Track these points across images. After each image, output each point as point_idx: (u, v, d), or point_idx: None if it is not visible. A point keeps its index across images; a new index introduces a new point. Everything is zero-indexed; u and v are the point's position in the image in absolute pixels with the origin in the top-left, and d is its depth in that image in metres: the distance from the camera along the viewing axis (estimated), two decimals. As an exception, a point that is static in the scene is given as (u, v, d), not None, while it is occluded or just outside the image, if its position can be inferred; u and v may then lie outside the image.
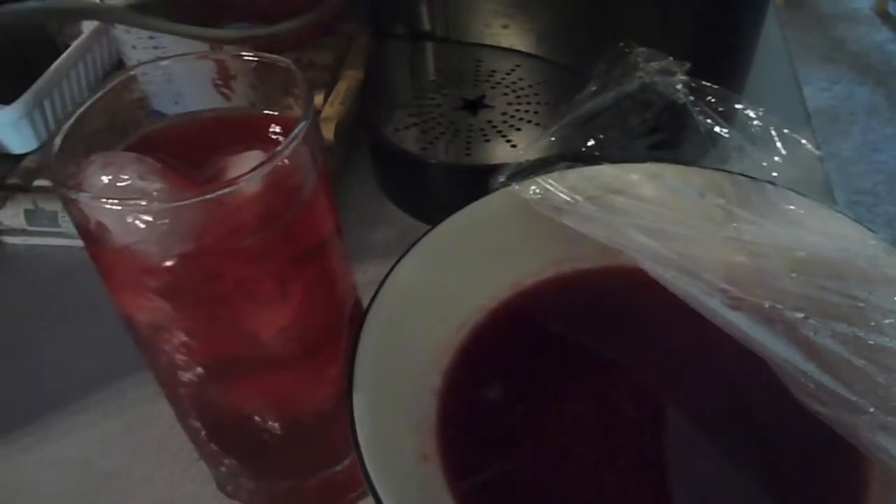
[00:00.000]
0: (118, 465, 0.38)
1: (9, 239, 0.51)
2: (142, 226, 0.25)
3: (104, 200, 0.24)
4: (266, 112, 0.30)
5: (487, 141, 0.46)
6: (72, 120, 0.27)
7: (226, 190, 0.24)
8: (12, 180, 0.52)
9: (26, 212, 0.50)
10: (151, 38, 0.47)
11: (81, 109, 0.28)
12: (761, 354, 0.31)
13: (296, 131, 0.25)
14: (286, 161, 0.25)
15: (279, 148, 0.25)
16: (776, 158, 0.38)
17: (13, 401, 0.42)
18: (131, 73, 0.30)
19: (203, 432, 0.33)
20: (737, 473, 0.32)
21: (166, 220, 0.24)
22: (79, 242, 0.50)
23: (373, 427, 0.29)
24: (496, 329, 0.37)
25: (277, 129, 0.29)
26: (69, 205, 0.26)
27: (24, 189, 0.51)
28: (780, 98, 0.59)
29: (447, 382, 0.35)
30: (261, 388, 0.31)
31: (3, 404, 0.42)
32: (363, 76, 0.54)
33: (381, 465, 0.28)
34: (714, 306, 0.33)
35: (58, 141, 0.27)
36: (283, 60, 0.29)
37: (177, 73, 0.31)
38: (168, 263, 0.25)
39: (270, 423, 0.32)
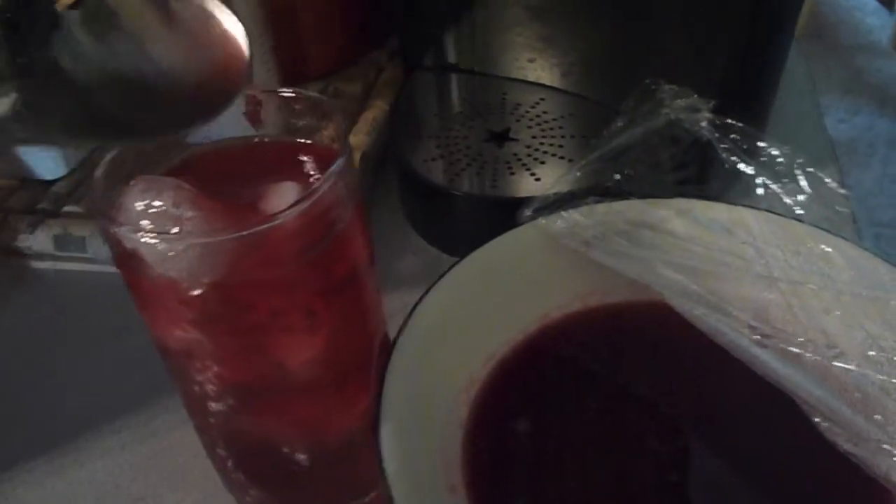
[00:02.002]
0: (147, 490, 0.39)
1: (38, 263, 0.52)
2: (175, 255, 0.25)
3: (143, 234, 0.24)
4: (301, 140, 0.31)
5: (513, 174, 0.46)
6: (111, 155, 0.28)
7: (263, 226, 0.24)
8: (42, 205, 0.53)
9: (55, 237, 0.50)
10: (184, 68, 0.47)
11: (120, 143, 0.28)
12: (791, 393, 0.31)
13: (334, 167, 0.25)
14: (324, 196, 0.25)
15: (317, 184, 0.25)
16: (801, 196, 0.38)
17: (46, 423, 0.42)
18: (170, 106, 0.30)
19: (230, 461, 0.33)
20: (766, 513, 0.32)
21: (201, 251, 0.25)
22: (107, 268, 0.51)
23: (400, 459, 0.29)
24: (523, 362, 0.37)
25: (312, 157, 0.30)
26: (107, 234, 0.26)
27: (54, 214, 0.52)
28: (804, 131, 0.60)
29: (474, 415, 0.35)
30: (290, 419, 0.31)
31: (36, 426, 0.42)
32: (390, 107, 0.55)
33: (408, 497, 0.28)
34: (743, 343, 0.33)
35: (99, 173, 0.27)
36: (317, 97, 0.29)
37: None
38: (201, 292, 0.26)
39: (298, 454, 0.32)
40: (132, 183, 0.26)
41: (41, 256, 0.51)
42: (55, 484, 0.39)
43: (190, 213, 0.26)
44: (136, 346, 0.45)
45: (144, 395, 0.43)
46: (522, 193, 0.45)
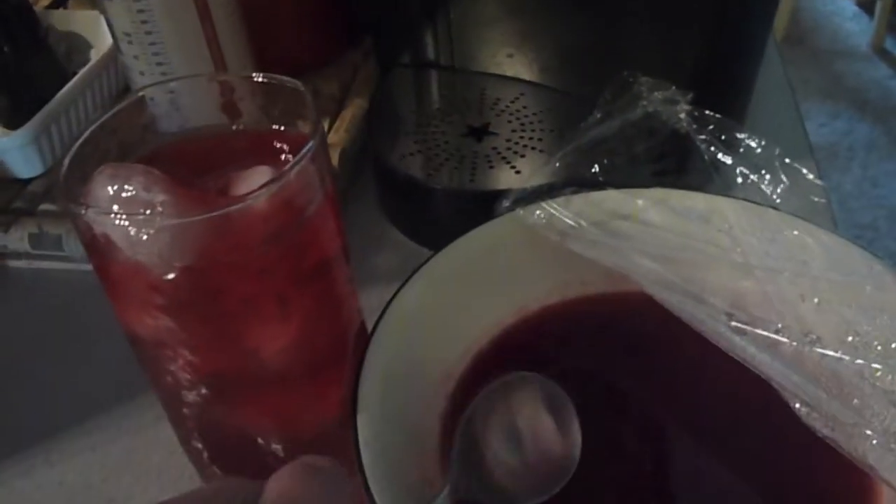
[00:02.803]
0: (119, 490, 0.38)
1: (13, 262, 0.51)
2: (145, 238, 0.25)
3: (111, 215, 0.24)
4: (274, 128, 0.30)
5: (492, 168, 0.46)
6: (81, 140, 0.27)
7: (233, 207, 0.24)
8: (18, 204, 0.52)
9: (31, 235, 0.50)
10: (159, 63, 0.47)
11: (91, 130, 0.28)
12: (769, 379, 0.31)
13: (304, 150, 0.25)
14: (294, 179, 0.25)
15: (287, 167, 0.25)
16: (779, 189, 0.38)
17: (16, 423, 0.42)
18: (140, 94, 0.30)
19: (206, 455, 0.33)
20: (745, 499, 0.32)
21: (170, 234, 0.25)
22: (83, 266, 0.50)
23: (377, 450, 0.29)
24: (501, 353, 0.37)
25: (285, 145, 0.29)
26: (76, 220, 0.26)
27: (30, 213, 0.51)
28: (783, 131, 0.60)
29: (453, 406, 0.34)
30: (264, 409, 0.31)
31: (6, 427, 0.41)
32: (368, 104, 0.55)
33: (384, 488, 0.28)
34: (721, 330, 0.33)
35: (67, 160, 0.27)
36: (290, 81, 0.29)
37: (184, 95, 0.32)
38: (171, 276, 0.25)
39: (274, 445, 0.31)
40: (100, 169, 0.26)
41: (17, 255, 0.51)
42: (24, 486, 0.39)
43: (161, 197, 0.25)
44: (110, 344, 0.44)
45: (117, 393, 0.42)
46: (501, 187, 0.45)
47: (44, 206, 0.51)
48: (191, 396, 0.29)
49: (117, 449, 0.40)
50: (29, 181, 0.53)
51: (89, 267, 0.48)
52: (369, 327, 0.34)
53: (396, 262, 0.48)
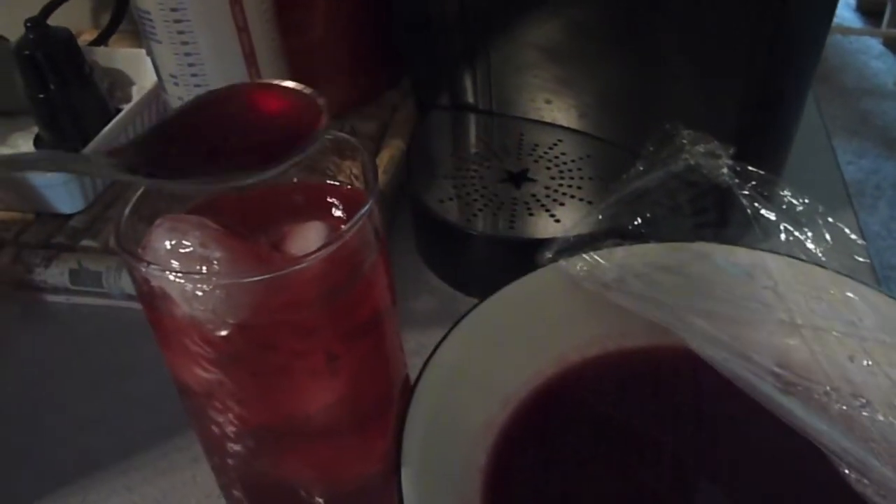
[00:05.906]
0: (155, 533, 0.38)
1: (52, 297, 0.51)
2: (201, 294, 0.25)
3: (172, 273, 0.24)
4: (329, 182, 0.31)
5: (531, 214, 0.46)
6: (139, 192, 0.28)
7: (291, 268, 0.24)
8: (58, 239, 0.53)
9: (71, 271, 0.50)
10: (204, 105, 0.48)
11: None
12: (817, 442, 0.31)
13: (363, 210, 0.25)
14: (351, 239, 0.25)
15: (346, 227, 0.25)
16: (821, 246, 0.38)
17: (55, 461, 0.42)
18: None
19: (246, 503, 0.33)
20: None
21: (226, 291, 0.25)
22: (122, 303, 0.51)
23: (420, 502, 0.29)
24: (541, 405, 0.36)
25: (338, 198, 0.30)
26: (134, 272, 0.26)
27: (71, 249, 0.52)
28: (819, 174, 0.60)
29: (492, 459, 0.34)
30: (309, 461, 0.31)
31: (45, 464, 0.42)
32: (406, 146, 0.55)
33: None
34: (767, 390, 0.33)
35: (126, 211, 0.27)
36: (348, 138, 0.29)
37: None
38: (224, 333, 0.26)
39: (316, 497, 0.31)
40: (158, 222, 0.26)
41: (56, 290, 0.51)
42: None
43: (217, 254, 0.26)
44: (148, 383, 0.44)
45: (154, 433, 0.42)
46: (540, 234, 0.45)
47: (85, 242, 0.52)
48: (236, 447, 0.29)
49: (154, 490, 0.40)
50: (70, 216, 0.54)
51: (128, 304, 0.48)
52: (407, 372, 0.34)
53: (434, 307, 0.48)
